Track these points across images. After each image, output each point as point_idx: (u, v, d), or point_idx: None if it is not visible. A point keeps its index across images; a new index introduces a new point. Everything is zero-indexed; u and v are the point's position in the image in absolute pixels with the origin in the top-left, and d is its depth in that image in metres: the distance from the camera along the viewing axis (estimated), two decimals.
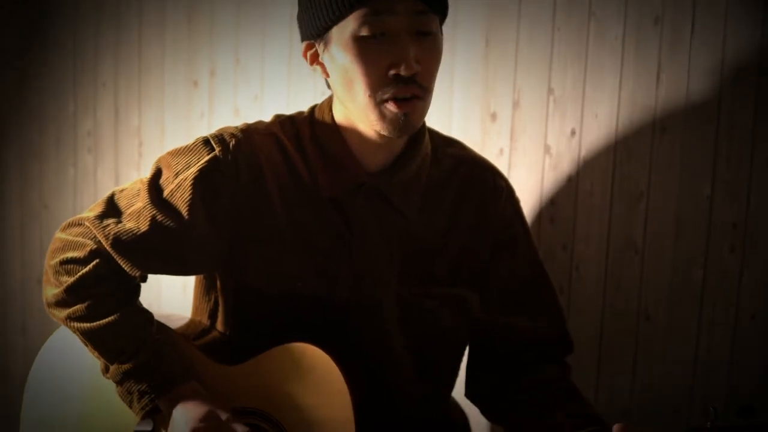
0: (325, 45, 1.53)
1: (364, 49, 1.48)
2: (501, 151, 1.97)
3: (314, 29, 1.53)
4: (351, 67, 1.49)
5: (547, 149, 1.91)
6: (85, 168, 2.77)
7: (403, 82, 1.48)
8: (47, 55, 2.83)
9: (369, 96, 1.49)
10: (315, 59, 1.57)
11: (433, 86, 1.54)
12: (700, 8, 1.69)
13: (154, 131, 2.58)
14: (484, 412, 1.74)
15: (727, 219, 1.68)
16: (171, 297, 2.52)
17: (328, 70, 1.55)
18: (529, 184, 1.94)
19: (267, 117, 2.37)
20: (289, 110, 2.28)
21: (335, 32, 1.50)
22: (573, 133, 1.87)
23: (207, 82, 2.45)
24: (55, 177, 2.85)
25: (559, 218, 1.90)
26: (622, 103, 1.80)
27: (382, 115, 1.51)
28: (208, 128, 2.42)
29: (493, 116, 1.98)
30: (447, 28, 2.02)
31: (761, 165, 1.64)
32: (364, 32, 1.47)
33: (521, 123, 1.94)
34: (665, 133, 1.75)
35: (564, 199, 1.89)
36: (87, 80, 2.74)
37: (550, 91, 1.89)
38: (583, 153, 1.86)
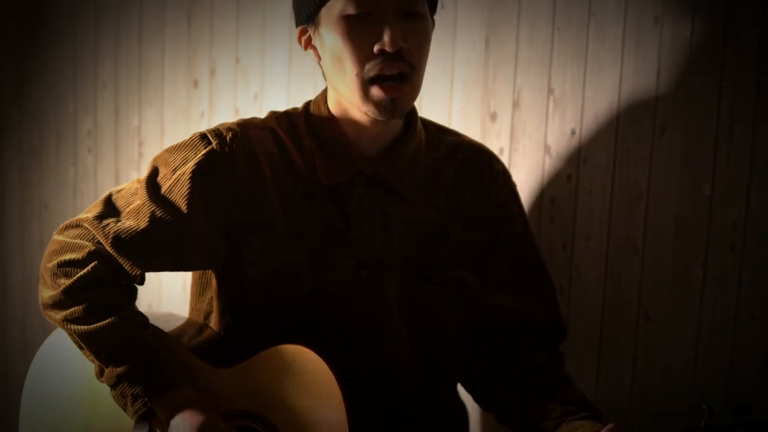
0: (316, 27, 1.56)
1: (350, 27, 1.51)
2: (501, 151, 1.97)
3: (305, 13, 1.56)
4: (338, 46, 1.52)
5: (547, 149, 1.91)
6: (85, 168, 2.77)
7: (389, 59, 1.50)
8: (47, 55, 2.83)
9: (356, 74, 1.52)
10: (308, 44, 1.60)
11: (423, 66, 1.55)
12: (700, 8, 1.69)
13: (154, 131, 2.58)
14: (476, 399, 1.74)
15: (727, 219, 1.68)
16: (171, 296, 2.52)
17: (320, 52, 1.58)
18: (529, 184, 1.94)
19: None
20: None
21: (324, 13, 1.53)
22: (573, 133, 1.87)
23: (207, 82, 2.45)
24: (55, 177, 2.86)
25: (559, 218, 1.90)
26: (622, 103, 1.80)
27: (368, 97, 1.53)
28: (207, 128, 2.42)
29: (493, 116, 1.98)
30: (447, 28, 2.02)
31: (761, 165, 1.64)
32: (350, 10, 1.50)
33: (521, 123, 1.94)
34: (665, 133, 1.75)
35: (564, 199, 1.89)
36: (87, 80, 2.74)
37: (550, 91, 1.89)
38: (583, 153, 1.86)
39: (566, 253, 1.90)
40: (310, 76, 2.23)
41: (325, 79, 1.62)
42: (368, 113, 1.54)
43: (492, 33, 1.97)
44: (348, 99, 1.56)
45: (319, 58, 1.59)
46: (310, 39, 1.59)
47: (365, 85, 1.52)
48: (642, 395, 1.81)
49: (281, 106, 2.28)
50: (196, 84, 2.48)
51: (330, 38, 1.53)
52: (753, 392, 1.68)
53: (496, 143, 1.97)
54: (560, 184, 1.90)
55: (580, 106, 1.86)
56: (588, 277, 1.87)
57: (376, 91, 1.52)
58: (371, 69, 1.51)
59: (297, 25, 1.61)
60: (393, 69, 1.50)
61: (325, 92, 1.64)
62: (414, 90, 1.55)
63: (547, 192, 1.92)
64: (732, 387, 1.70)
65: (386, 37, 1.49)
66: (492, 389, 1.69)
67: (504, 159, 1.95)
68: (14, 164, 2.96)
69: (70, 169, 2.81)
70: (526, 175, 1.93)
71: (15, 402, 2.84)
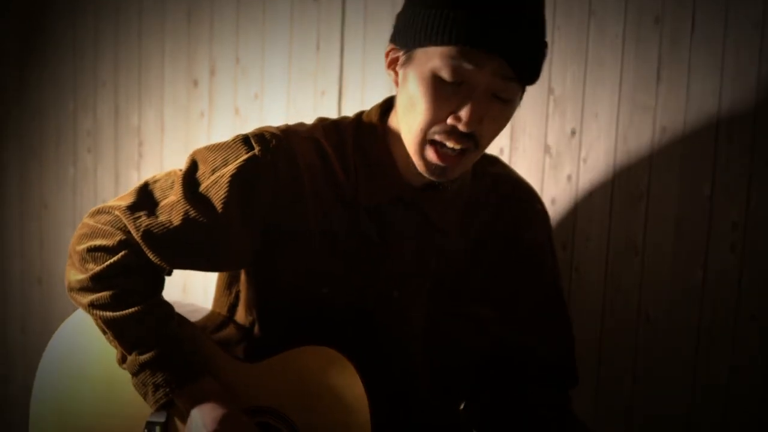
0: (407, 60, 1.48)
1: (436, 88, 1.44)
2: (501, 151, 1.96)
3: (404, 39, 1.48)
4: (417, 95, 1.45)
5: (547, 149, 1.91)
6: (84, 167, 2.77)
7: (458, 134, 1.44)
8: (47, 55, 2.83)
9: (420, 128, 1.46)
10: (393, 65, 1.52)
11: (488, 145, 1.50)
12: (700, 8, 1.69)
13: (154, 131, 2.58)
14: (477, 428, 1.74)
15: (727, 219, 1.68)
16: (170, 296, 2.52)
17: (399, 82, 1.51)
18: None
19: (267, 116, 2.37)
20: (288, 110, 2.28)
21: (419, 54, 1.45)
22: (573, 133, 1.87)
23: (207, 81, 2.45)
24: (55, 177, 2.86)
25: (559, 218, 1.90)
26: (622, 103, 1.80)
27: (421, 154, 1.48)
28: (208, 128, 2.42)
29: None
30: None
31: (761, 165, 1.64)
32: (444, 74, 1.42)
33: (521, 123, 1.94)
34: (665, 133, 1.75)
35: (564, 199, 1.89)
36: (87, 79, 2.74)
37: (550, 90, 1.89)
38: (583, 153, 1.86)
39: (566, 253, 1.89)
40: (310, 76, 2.23)
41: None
42: (416, 166, 1.50)
43: None
44: (404, 140, 1.52)
45: (397, 85, 1.52)
46: (396, 61, 1.50)
47: (424, 142, 1.47)
48: (642, 395, 1.81)
49: (281, 106, 2.28)
50: (196, 83, 2.48)
51: (413, 84, 1.46)
52: (752, 392, 1.68)
53: (496, 143, 1.97)
54: (560, 184, 1.90)
55: (580, 106, 1.85)
56: (588, 277, 1.87)
57: (431, 153, 1.47)
58: (436, 132, 1.45)
59: (391, 41, 1.52)
60: (457, 145, 1.45)
61: (380, 107, 1.59)
62: (469, 163, 1.51)
63: (547, 192, 1.92)
64: (732, 387, 1.70)
65: (464, 116, 1.42)
66: (495, 420, 1.69)
67: (504, 159, 1.95)
68: (14, 164, 2.96)
69: (70, 168, 2.81)
70: (526, 175, 1.93)
71: (15, 400, 2.85)
